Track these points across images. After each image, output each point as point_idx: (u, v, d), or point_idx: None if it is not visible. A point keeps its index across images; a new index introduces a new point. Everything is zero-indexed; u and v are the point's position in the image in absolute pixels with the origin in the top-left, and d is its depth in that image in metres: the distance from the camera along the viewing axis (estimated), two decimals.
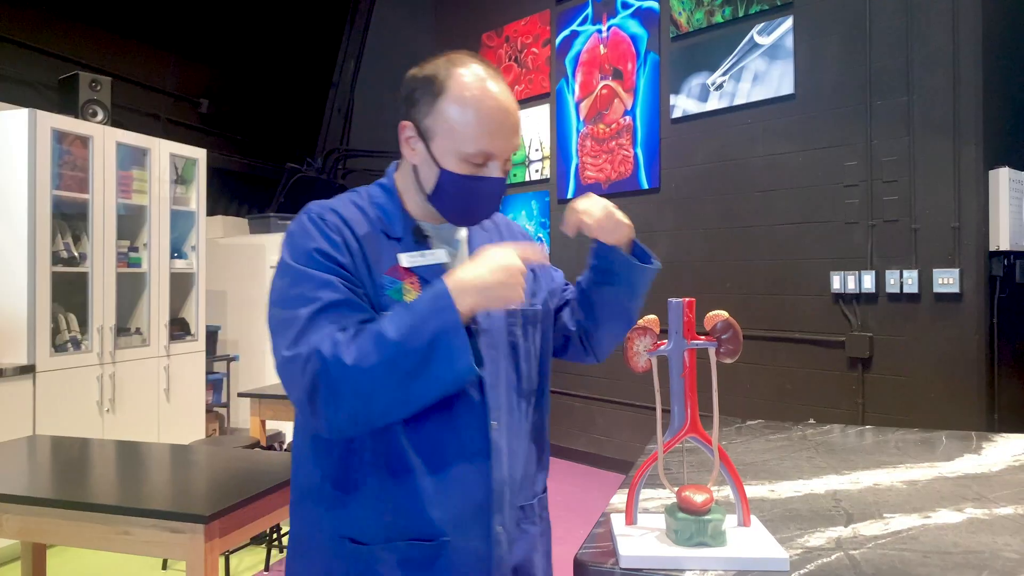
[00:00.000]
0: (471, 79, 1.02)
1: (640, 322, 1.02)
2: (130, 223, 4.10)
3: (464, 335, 0.91)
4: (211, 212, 5.75)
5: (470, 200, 1.05)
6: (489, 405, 1.03)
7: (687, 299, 1.01)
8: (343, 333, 0.93)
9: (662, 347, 1.02)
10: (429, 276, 1.03)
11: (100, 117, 3.89)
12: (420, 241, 1.07)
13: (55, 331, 3.59)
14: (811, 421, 3.76)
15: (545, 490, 1.19)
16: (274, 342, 0.97)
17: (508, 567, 1.06)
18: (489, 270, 0.94)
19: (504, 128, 1.03)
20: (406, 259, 1.04)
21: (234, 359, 5.30)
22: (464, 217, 1.09)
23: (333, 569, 1.02)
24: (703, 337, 1.01)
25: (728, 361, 1.00)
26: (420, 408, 0.95)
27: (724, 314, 1.00)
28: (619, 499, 1.19)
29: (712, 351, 1.01)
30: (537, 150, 5.25)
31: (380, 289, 1.01)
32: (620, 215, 1.13)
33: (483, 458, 1.02)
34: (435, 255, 1.06)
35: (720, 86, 4.11)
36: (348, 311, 0.96)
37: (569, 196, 4.98)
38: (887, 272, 3.43)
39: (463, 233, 1.14)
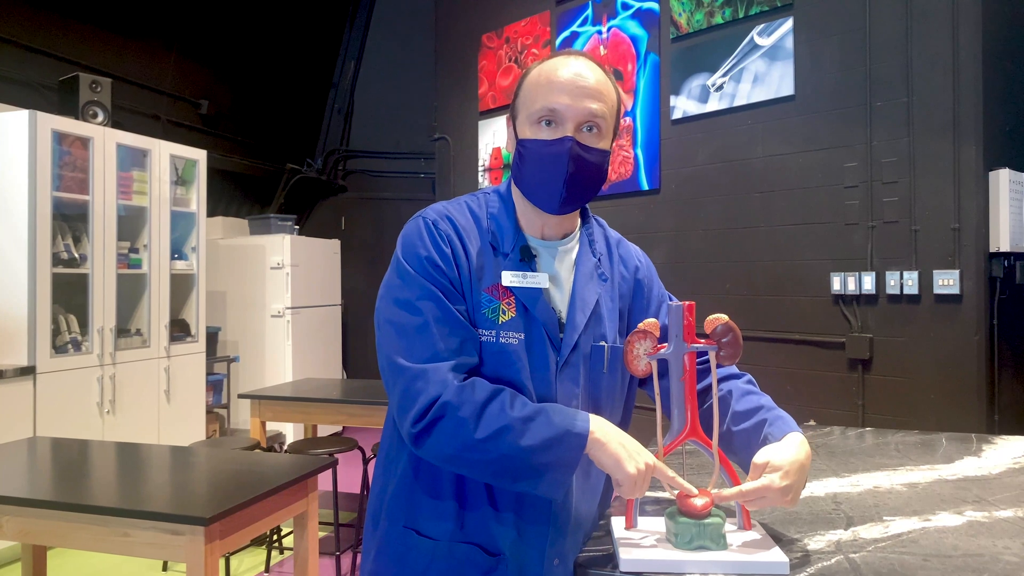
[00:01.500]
0: (552, 56, 1.07)
1: (640, 325, 1.02)
2: (130, 224, 4.10)
3: (572, 476, 0.98)
4: (211, 213, 5.76)
5: (541, 166, 1.03)
6: None
7: (687, 302, 1.01)
8: (473, 389, 0.96)
9: (662, 350, 1.02)
10: (526, 299, 1.04)
11: (100, 118, 3.89)
12: (526, 260, 1.07)
13: (55, 332, 3.59)
14: (811, 422, 3.77)
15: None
16: (381, 334, 1.02)
17: None
18: (633, 459, 0.95)
19: (569, 85, 1.02)
20: (508, 278, 1.04)
21: (234, 360, 5.30)
22: (543, 191, 1.04)
23: (392, 554, 1.06)
24: (703, 340, 1.00)
25: (728, 364, 1.00)
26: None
27: (724, 317, 1.00)
28: (619, 502, 1.19)
29: (712, 355, 1.01)
30: None
31: (478, 306, 1.03)
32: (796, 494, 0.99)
33: None
34: (536, 279, 1.05)
35: (720, 87, 4.12)
36: (448, 332, 0.99)
37: None
38: (887, 273, 3.43)
39: (572, 255, 1.13)
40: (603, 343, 1.10)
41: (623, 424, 1.18)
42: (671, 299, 1.22)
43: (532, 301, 1.04)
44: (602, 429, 0.97)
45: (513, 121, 1.09)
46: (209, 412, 4.67)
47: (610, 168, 4.87)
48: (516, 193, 1.11)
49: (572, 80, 1.02)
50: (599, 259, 1.15)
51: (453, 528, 1.03)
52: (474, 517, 1.03)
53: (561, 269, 1.10)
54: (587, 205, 1.15)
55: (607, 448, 0.95)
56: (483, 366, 1.01)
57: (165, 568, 3.15)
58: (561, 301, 1.08)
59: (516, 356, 1.02)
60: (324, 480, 3.93)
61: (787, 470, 0.95)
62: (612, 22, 4.73)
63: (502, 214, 1.10)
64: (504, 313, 1.02)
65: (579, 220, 1.18)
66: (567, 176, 1.01)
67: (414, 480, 1.07)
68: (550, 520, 1.04)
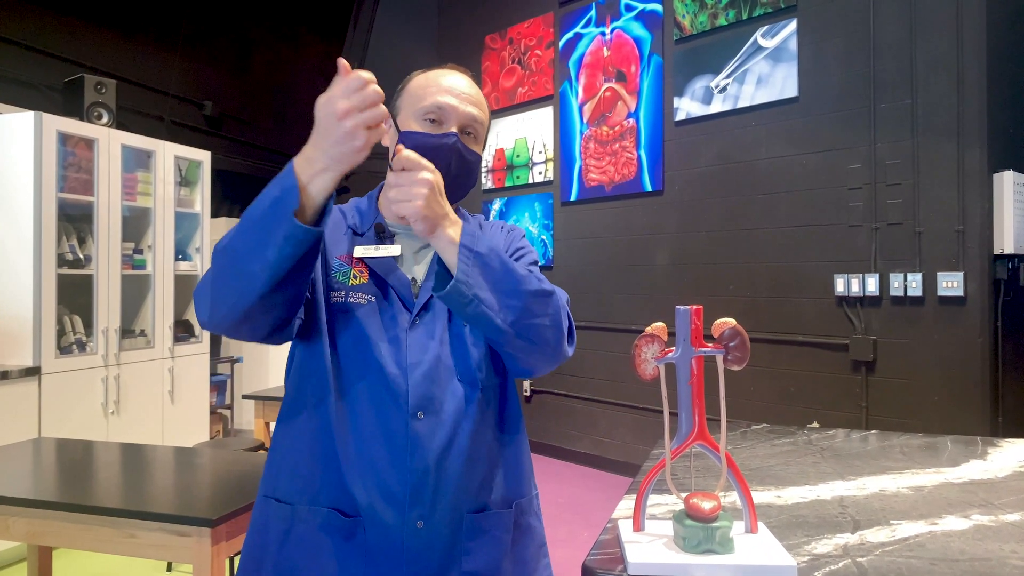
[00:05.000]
0: (436, 67, 1.16)
1: (648, 329, 1.03)
2: (135, 225, 4.11)
3: (295, 195, 0.87)
4: (215, 214, 5.77)
5: (424, 156, 1.04)
6: (411, 394, 1.02)
7: (695, 306, 1.01)
8: None
9: (670, 354, 1.02)
10: (379, 268, 1.09)
11: (105, 119, 3.90)
12: (381, 237, 1.13)
13: (60, 333, 3.60)
14: (815, 424, 3.77)
15: (524, 497, 1.13)
16: None
17: (436, 564, 1.01)
18: (320, 126, 0.87)
19: (455, 88, 1.11)
20: (360, 251, 1.10)
21: (238, 361, 5.31)
22: None
23: (256, 525, 1.07)
24: (711, 344, 1.01)
25: (736, 368, 1.00)
26: (278, 274, 0.90)
27: (732, 321, 1.01)
28: (626, 505, 1.19)
29: (720, 359, 1.01)
30: (540, 152, 5.25)
31: (330, 270, 1.09)
32: (422, 198, 0.93)
33: (401, 446, 1.01)
34: (388, 249, 1.10)
35: (723, 89, 4.12)
36: None
37: (572, 198, 4.99)
38: (891, 275, 3.43)
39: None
40: None
41: (501, 376, 1.13)
42: (528, 257, 1.19)
43: (385, 270, 1.09)
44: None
45: (393, 119, 1.12)
46: (213, 413, 4.67)
47: (613, 169, 4.88)
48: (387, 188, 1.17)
49: (458, 86, 1.12)
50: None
51: (309, 492, 1.03)
52: (329, 480, 1.02)
53: (426, 250, 1.15)
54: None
55: (308, 146, 0.88)
56: (335, 322, 1.07)
57: (169, 568, 3.15)
58: (422, 272, 1.14)
59: (364, 314, 1.07)
60: None
61: (438, 199, 0.94)
62: (615, 23, 4.74)
63: (364, 206, 1.19)
64: (355, 277, 1.08)
65: None
66: (448, 169, 1.07)
67: (275, 448, 1.10)
68: (408, 478, 1.01)
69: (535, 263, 1.19)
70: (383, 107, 0.87)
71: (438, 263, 0.99)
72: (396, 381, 1.03)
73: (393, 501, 1.00)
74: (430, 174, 0.94)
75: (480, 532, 1.05)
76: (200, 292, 0.98)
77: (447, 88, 1.11)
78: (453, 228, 0.96)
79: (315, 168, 0.88)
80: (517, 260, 1.18)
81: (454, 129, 1.09)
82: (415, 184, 0.93)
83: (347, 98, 0.85)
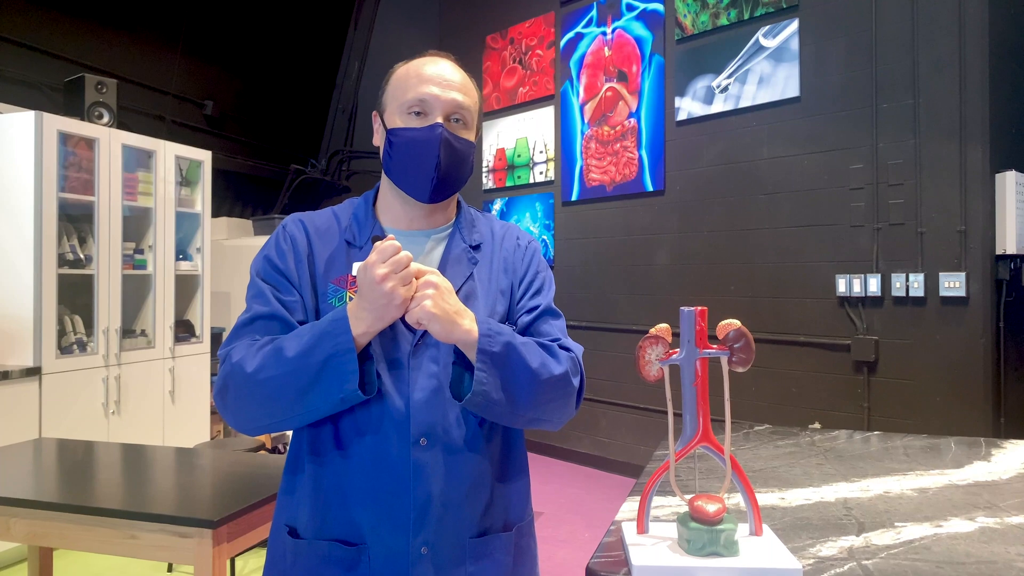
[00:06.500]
0: (418, 56, 1.13)
1: (652, 331, 1.02)
2: (135, 225, 4.10)
3: (354, 359, 0.96)
4: (216, 214, 5.77)
5: (412, 152, 1.07)
6: (413, 421, 1.01)
7: (699, 308, 1.01)
8: (258, 342, 1.00)
9: (674, 356, 1.01)
10: None
11: (106, 119, 3.89)
12: None
13: (61, 333, 3.60)
14: (816, 425, 3.76)
15: (524, 519, 1.13)
16: None
17: None
18: (363, 290, 0.96)
19: (437, 78, 1.09)
20: (356, 268, 1.06)
21: None
22: (415, 178, 1.08)
23: (277, 555, 1.08)
24: (715, 346, 1.00)
25: (740, 370, 1.00)
26: (316, 418, 1.01)
27: (737, 323, 1.00)
28: (629, 507, 1.18)
29: (724, 360, 1.01)
30: (541, 152, 5.25)
31: (324, 297, 1.07)
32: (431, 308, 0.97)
33: (404, 474, 1.01)
34: None
35: (725, 89, 4.11)
36: (271, 323, 1.04)
37: (573, 198, 4.98)
38: (893, 275, 3.42)
39: (439, 249, 1.13)
40: None
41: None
42: (544, 283, 1.17)
43: None
44: (354, 302, 0.98)
45: (381, 116, 1.13)
46: (214, 413, 4.67)
47: (615, 169, 4.87)
48: (385, 190, 1.15)
49: (439, 74, 1.09)
50: (477, 245, 1.15)
51: (314, 522, 1.03)
52: (334, 510, 1.03)
53: (430, 258, 1.12)
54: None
55: (359, 307, 0.96)
56: None
57: (170, 570, 3.15)
58: None
59: None
60: None
61: (446, 298, 0.98)
62: (617, 23, 4.73)
63: (362, 212, 1.15)
64: (352, 300, 1.03)
65: (454, 213, 1.19)
66: (438, 161, 1.06)
67: (284, 477, 1.10)
68: (411, 505, 1.01)
69: (551, 308, 1.15)
70: (413, 266, 0.97)
71: (455, 353, 1.03)
72: (398, 408, 1.02)
73: (398, 528, 1.01)
74: (433, 276, 0.98)
75: (483, 556, 1.05)
76: (225, 403, 1.02)
77: (428, 78, 1.08)
78: (469, 321, 0.99)
79: (363, 328, 0.96)
80: (534, 294, 1.14)
81: (439, 119, 1.07)
82: (420, 287, 0.98)
83: (384, 264, 0.94)
